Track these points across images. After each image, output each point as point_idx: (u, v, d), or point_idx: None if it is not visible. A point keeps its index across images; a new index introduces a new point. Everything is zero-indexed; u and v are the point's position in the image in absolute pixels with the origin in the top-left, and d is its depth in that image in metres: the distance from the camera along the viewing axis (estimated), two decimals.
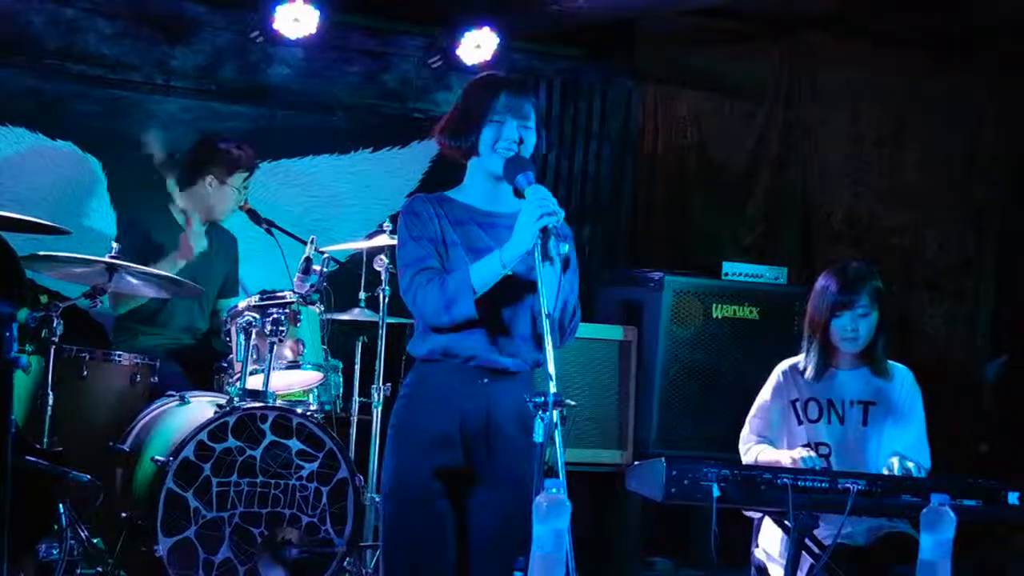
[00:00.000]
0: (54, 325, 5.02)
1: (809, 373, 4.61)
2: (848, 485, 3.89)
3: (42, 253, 5.19)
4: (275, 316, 5.33)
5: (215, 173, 6.13)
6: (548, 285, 3.46)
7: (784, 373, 4.68)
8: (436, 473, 3.64)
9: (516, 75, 3.90)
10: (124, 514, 5.07)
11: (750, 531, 4.70)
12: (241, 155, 6.17)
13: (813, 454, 4.36)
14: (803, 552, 4.03)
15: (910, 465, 4.24)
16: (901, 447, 4.46)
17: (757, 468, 4.06)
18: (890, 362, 4.66)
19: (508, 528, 3.63)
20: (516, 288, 3.66)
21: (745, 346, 6.33)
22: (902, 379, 4.64)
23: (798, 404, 4.61)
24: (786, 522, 4.00)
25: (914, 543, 3.74)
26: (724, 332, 6.36)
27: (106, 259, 5.21)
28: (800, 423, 4.59)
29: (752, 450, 4.61)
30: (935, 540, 3.63)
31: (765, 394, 4.70)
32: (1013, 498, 4.00)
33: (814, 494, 3.89)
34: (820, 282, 4.65)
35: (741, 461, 4.63)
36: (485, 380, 3.68)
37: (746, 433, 4.69)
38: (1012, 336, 7.89)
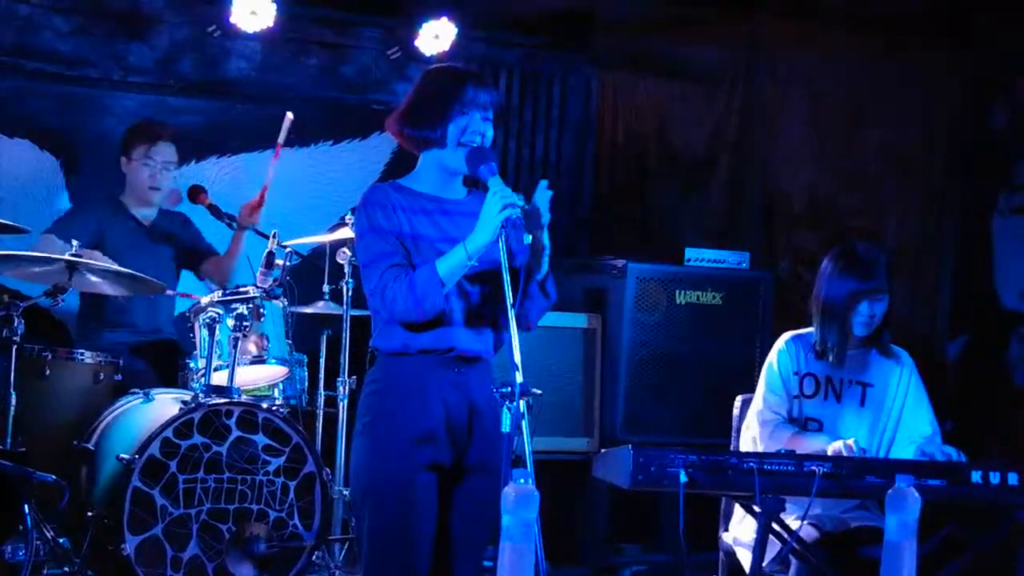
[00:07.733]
0: (15, 324, 5.00)
1: (830, 358, 4.50)
2: (814, 467, 3.91)
3: (0, 252, 5.15)
4: (239, 311, 5.32)
5: (127, 152, 6.03)
6: (511, 276, 3.46)
7: (788, 344, 4.59)
8: (423, 469, 3.61)
9: (475, 68, 3.88)
10: (90, 513, 5.04)
11: (718, 516, 4.72)
12: (157, 129, 6.05)
13: (853, 447, 4.25)
14: (771, 536, 4.05)
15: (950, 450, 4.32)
16: (918, 435, 4.48)
17: (723, 454, 4.06)
18: (892, 345, 4.62)
19: (483, 514, 3.66)
20: (479, 276, 3.66)
21: (709, 331, 6.35)
22: (903, 363, 4.60)
23: (796, 376, 4.55)
24: (753, 506, 4.02)
25: (881, 533, 3.74)
26: (688, 317, 6.37)
27: (66, 256, 5.17)
28: (795, 396, 4.55)
29: (778, 433, 4.45)
30: (900, 521, 3.65)
31: (775, 364, 4.57)
32: (976, 477, 4.03)
33: (780, 477, 3.90)
34: (832, 266, 4.51)
35: (760, 439, 4.47)
36: (460, 369, 3.67)
37: (760, 409, 4.53)
38: (973, 316, 7.94)
